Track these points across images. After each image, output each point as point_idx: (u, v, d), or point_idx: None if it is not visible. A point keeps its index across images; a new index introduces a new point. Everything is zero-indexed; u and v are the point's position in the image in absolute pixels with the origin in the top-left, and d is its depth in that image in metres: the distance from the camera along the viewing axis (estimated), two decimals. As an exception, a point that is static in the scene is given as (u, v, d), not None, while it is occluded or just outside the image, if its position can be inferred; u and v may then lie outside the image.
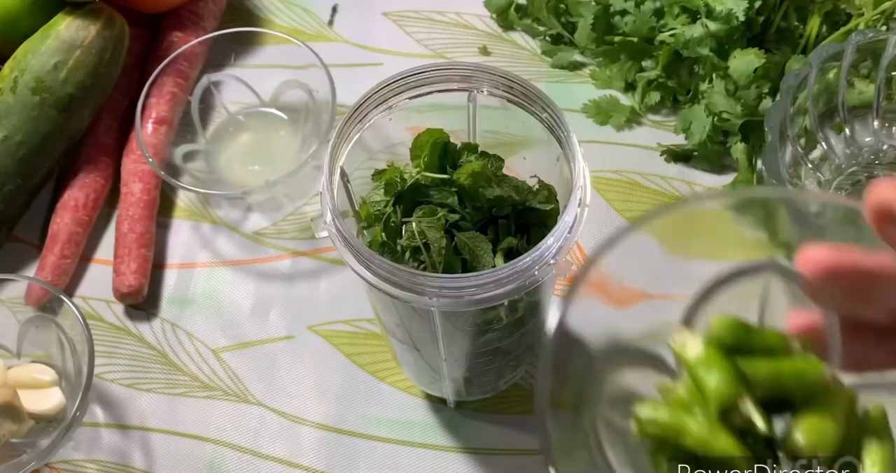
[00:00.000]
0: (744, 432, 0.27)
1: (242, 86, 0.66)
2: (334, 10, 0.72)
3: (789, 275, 0.29)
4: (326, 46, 0.68)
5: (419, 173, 0.45)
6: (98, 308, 0.61)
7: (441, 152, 0.46)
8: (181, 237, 0.64)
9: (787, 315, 0.29)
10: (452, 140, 0.47)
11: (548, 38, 0.70)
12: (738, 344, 0.28)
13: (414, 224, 0.44)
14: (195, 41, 0.64)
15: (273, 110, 0.66)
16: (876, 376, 0.29)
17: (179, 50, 0.64)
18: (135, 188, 0.63)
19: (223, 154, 0.65)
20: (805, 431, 0.27)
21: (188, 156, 0.64)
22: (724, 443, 0.27)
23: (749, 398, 0.27)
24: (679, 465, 0.27)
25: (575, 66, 0.69)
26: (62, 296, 0.54)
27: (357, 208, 0.47)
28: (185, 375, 0.59)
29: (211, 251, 0.63)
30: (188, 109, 0.65)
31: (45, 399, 0.55)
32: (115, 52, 0.64)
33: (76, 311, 0.54)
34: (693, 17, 0.64)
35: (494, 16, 0.71)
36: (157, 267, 0.62)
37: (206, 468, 0.56)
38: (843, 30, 0.62)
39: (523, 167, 0.47)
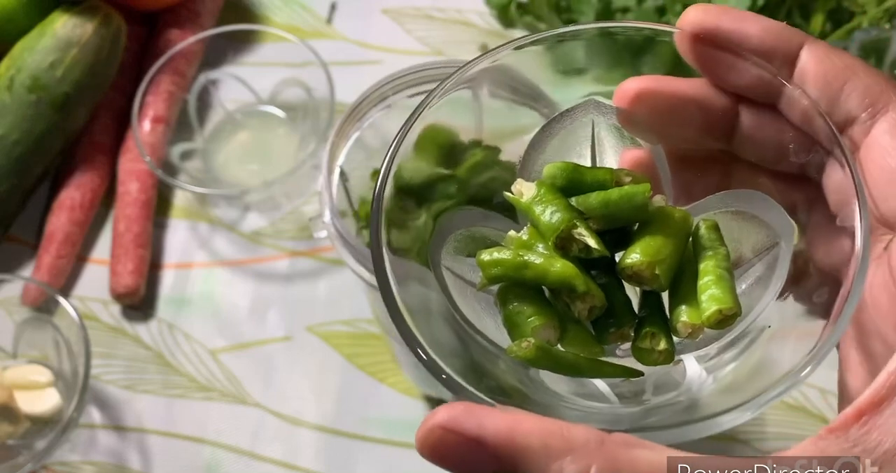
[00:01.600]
0: (585, 263, 0.28)
1: (240, 84, 0.65)
2: (333, 7, 0.72)
3: (608, 111, 0.31)
4: (325, 44, 0.68)
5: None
6: (95, 308, 0.61)
7: (445, 149, 0.45)
8: (178, 237, 0.63)
9: (622, 155, 0.31)
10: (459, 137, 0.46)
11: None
12: (572, 184, 0.29)
13: (413, 224, 0.44)
14: (193, 39, 0.64)
15: (271, 109, 0.66)
16: (708, 200, 0.30)
17: (177, 48, 0.63)
18: (131, 187, 0.62)
19: (221, 153, 0.65)
20: (640, 248, 0.28)
21: (185, 155, 0.64)
22: (562, 266, 0.27)
23: (582, 224, 0.28)
24: (524, 300, 0.28)
25: (575, 70, 0.68)
26: (58, 297, 0.54)
27: (356, 207, 0.47)
28: (182, 376, 0.58)
29: (208, 251, 0.63)
30: (185, 108, 0.65)
31: (41, 400, 0.54)
32: (111, 51, 0.63)
33: (72, 312, 0.53)
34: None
35: (495, 13, 0.71)
36: (154, 267, 0.62)
37: (204, 470, 0.55)
38: (846, 27, 0.61)
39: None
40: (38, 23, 0.63)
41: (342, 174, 0.44)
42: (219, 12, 0.71)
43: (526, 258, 0.28)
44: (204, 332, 0.60)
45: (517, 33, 0.70)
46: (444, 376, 0.24)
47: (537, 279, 0.28)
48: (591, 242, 0.27)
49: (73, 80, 0.61)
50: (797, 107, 0.26)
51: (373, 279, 0.40)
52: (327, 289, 0.61)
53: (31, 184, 0.63)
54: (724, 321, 0.27)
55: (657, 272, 0.27)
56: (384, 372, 0.58)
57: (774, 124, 0.27)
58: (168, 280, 0.62)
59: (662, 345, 0.28)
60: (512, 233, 0.30)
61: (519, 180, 0.30)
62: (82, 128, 0.64)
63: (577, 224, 0.28)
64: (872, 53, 0.58)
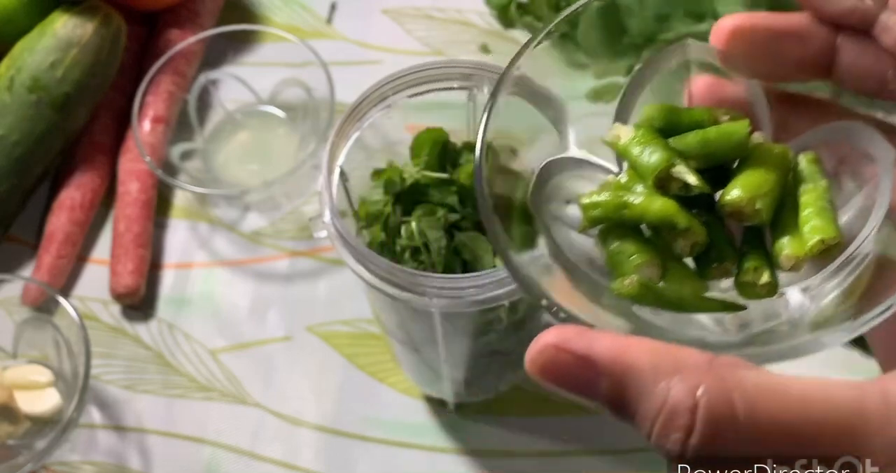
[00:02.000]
0: (686, 202, 0.28)
1: (240, 84, 0.65)
2: (333, 7, 0.72)
3: (703, 51, 0.30)
4: (325, 44, 0.68)
5: (419, 172, 0.45)
6: (95, 308, 0.61)
7: (441, 151, 0.45)
8: (178, 237, 0.63)
9: (693, 81, 0.31)
10: (452, 138, 0.46)
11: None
12: (670, 125, 0.29)
13: (413, 223, 0.44)
14: (193, 39, 0.64)
15: (271, 109, 0.66)
16: (807, 135, 0.30)
17: (177, 48, 0.63)
18: (132, 187, 0.62)
19: (221, 153, 0.65)
20: (741, 184, 0.28)
21: (185, 155, 0.64)
22: (662, 204, 0.27)
23: (681, 161, 0.28)
24: (625, 239, 0.28)
25: (577, 64, 0.68)
26: (58, 297, 0.54)
27: (356, 207, 0.47)
28: (182, 376, 0.58)
29: (208, 251, 0.63)
30: (185, 108, 0.65)
31: (41, 400, 0.54)
32: (111, 51, 0.63)
33: (73, 312, 0.53)
34: (699, 19, 0.64)
35: (495, 13, 0.71)
36: (154, 267, 0.62)
37: (204, 470, 0.55)
38: (846, 27, 0.61)
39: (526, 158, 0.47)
40: (38, 23, 0.63)
41: (342, 174, 0.44)
42: (219, 12, 0.71)
43: (626, 198, 0.28)
44: (204, 332, 0.60)
45: (517, 33, 0.70)
46: (545, 302, 0.25)
47: (637, 218, 0.28)
48: (691, 179, 0.27)
49: (74, 80, 0.61)
50: (892, 34, 0.26)
51: (373, 279, 0.40)
52: (327, 289, 0.61)
53: (31, 184, 0.63)
54: (827, 251, 0.27)
55: (758, 206, 0.27)
56: (384, 372, 0.58)
57: (873, 53, 0.27)
58: (168, 280, 0.62)
59: (765, 278, 0.28)
60: (611, 176, 0.30)
61: (616, 124, 0.30)
62: (82, 128, 0.64)
63: (677, 162, 0.28)
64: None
